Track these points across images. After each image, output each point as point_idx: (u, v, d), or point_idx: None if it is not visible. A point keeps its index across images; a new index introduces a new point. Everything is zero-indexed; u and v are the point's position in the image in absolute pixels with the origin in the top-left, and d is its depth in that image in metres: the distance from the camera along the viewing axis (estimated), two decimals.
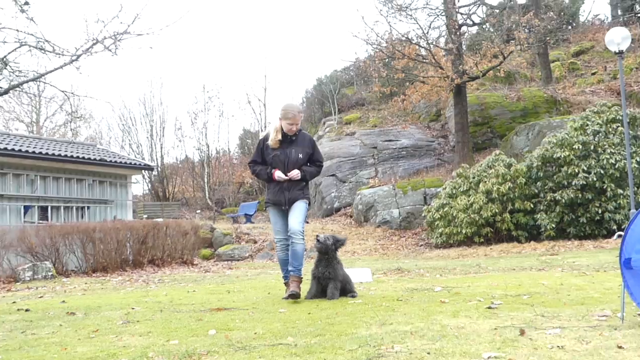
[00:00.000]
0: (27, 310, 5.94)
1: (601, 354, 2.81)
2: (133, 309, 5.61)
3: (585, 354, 2.83)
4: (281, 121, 5.84)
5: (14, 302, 7.06)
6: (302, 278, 5.81)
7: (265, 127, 32.46)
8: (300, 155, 5.90)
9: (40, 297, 7.89)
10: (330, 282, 5.61)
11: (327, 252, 5.67)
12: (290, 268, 5.78)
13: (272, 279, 9.23)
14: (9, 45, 6.38)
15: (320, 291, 5.71)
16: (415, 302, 5.06)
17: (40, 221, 14.98)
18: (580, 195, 13.12)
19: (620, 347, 2.93)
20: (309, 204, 6.15)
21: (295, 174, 5.80)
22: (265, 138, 5.97)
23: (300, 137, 5.97)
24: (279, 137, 5.84)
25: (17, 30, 6.39)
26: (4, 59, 6.31)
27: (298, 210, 5.86)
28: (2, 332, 4.49)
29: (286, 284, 5.92)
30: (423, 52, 21.52)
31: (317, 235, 5.72)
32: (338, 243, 5.78)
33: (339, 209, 22.05)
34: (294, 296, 5.57)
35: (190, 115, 33.38)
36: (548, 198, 13.68)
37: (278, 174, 5.82)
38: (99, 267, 12.49)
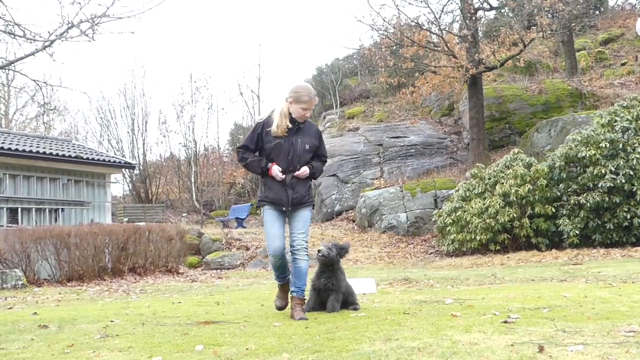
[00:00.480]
0: None
1: None
2: (112, 321, 5.62)
3: None
4: (291, 105, 5.37)
5: None
6: (304, 299, 5.52)
7: (256, 116, 32.44)
8: (307, 147, 5.46)
9: (10, 308, 7.90)
10: (332, 294, 5.53)
11: (332, 264, 5.58)
12: (292, 288, 5.46)
13: (265, 289, 9.24)
14: None
15: (319, 303, 5.64)
16: (423, 316, 5.08)
17: (10, 225, 14.98)
18: (607, 198, 13.13)
19: None
20: (313, 207, 5.80)
21: (303, 170, 5.40)
22: (266, 123, 5.46)
23: (307, 126, 5.55)
24: (288, 123, 5.36)
25: None
26: None
27: (303, 220, 5.53)
28: None
29: (281, 286, 5.72)
30: (434, 39, 21.54)
31: (319, 249, 5.52)
32: (342, 251, 5.65)
33: (340, 213, 22.07)
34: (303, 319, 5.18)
35: (175, 108, 33.40)
36: (571, 202, 13.68)
37: (275, 172, 5.32)
38: (75, 276, 12.50)
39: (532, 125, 21.19)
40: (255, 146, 5.51)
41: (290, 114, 5.38)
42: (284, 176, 5.33)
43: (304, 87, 5.59)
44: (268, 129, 5.38)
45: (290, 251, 5.44)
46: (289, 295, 5.50)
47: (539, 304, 5.51)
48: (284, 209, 5.43)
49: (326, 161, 5.88)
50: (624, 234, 13.21)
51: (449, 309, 5.44)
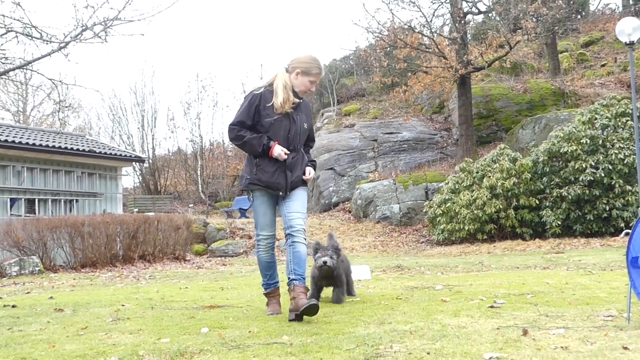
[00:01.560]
0: (13, 306, 5.95)
1: (606, 355, 2.83)
2: (123, 305, 5.62)
3: (589, 355, 2.85)
4: (298, 77, 4.50)
5: (0, 298, 7.07)
6: (308, 288, 4.61)
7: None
8: (305, 125, 4.66)
9: (28, 292, 7.90)
10: (337, 288, 5.20)
11: (334, 270, 5.06)
12: (292, 276, 4.42)
13: None
14: None
15: (319, 295, 5.24)
16: (415, 301, 5.08)
17: (27, 214, 14.97)
18: (587, 191, 13.15)
19: (625, 348, 2.95)
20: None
21: (309, 172, 4.65)
22: (264, 95, 4.50)
23: (304, 103, 4.71)
24: (294, 97, 4.48)
25: (3, 15, 6.37)
26: None
27: (301, 200, 4.62)
28: None
29: (268, 294, 4.78)
30: (426, 41, 21.49)
31: (324, 261, 4.89)
32: (338, 252, 5.13)
33: (337, 204, 22.09)
34: (310, 312, 4.18)
35: (182, 105, 33.50)
36: (554, 194, 13.71)
37: (278, 151, 4.39)
38: (88, 263, 12.51)
39: (517, 123, 21.19)
40: (252, 121, 4.49)
41: (292, 86, 4.52)
42: (286, 156, 4.44)
43: (313, 58, 4.61)
44: (267, 104, 4.45)
45: (287, 234, 4.48)
46: (290, 285, 4.41)
47: (523, 290, 5.52)
48: (280, 193, 4.53)
49: (313, 146, 5.09)
50: (603, 225, 13.24)
51: (438, 295, 5.45)
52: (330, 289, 5.34)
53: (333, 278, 5.11)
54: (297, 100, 4.49)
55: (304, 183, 4.66)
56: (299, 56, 4.60)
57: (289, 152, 4.45)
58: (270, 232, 4.63)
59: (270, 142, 4.41)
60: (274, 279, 4.76)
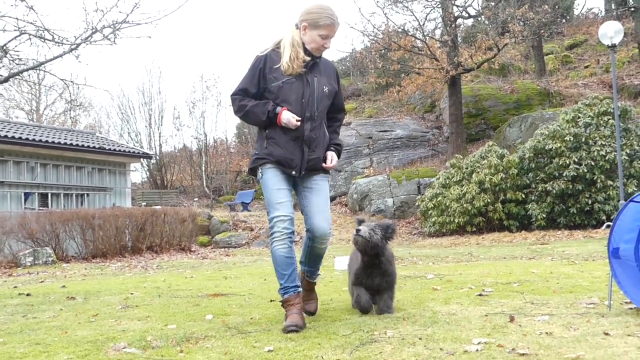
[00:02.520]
0: (28, 294, 5.95)
1: (588, 340, 2.84)
2: (132, 294, 5.62)
3: (572, 340, 2.85)
4: (306, 31, 3.46)
5: (15, 287, 7.07)
6: (315, 283, 3.86)
7: None
8: (326, 90, 3.53)
9: (41, 282, 7.90)
10: (385, 292, 3.78)
11: (378, 253, 3.63)
12: (305, 268, 3.73)
13: (267, 265, 9.25)
14: (9, 33, 6.34)
15: (367, 300, 3.78)
16: (408, 289, 5.09)
17: (41, 208, 14.97)
18: (570, 186, 13.17)
19: (606, 334, 2.96)
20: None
21: (331, 158, 3.58)
22: (269, 57, 3.51)
23: (323, 63, 3.61)
24: (304, 55, 3.45)
25: (17, 18, 6.35)
26: (4, 47, 6.27)
27: (324, 195, 3.60)
28: (4, 316, 4.50)
29: (287, 303, 3.49)
30: (419, 43, 21.45)
31: (358, 229, 3.57)
32: (389, 233, 3.68)
33: (334, 198, 22.08)
34: (311, 313, 3.67)
35: (188, 105, 33.50)
36: (539, 189, 13.72)
37: (287, 117, 3.36)
38: (99, 253, 12.52)
39: (505, 121, 21.18)
40: (257, 88, 3.51)
41: (303, 44, 3.48)
42: (298, 123, 3.37)
43: (322, 6, 3.50)
44: (274, 66, 3.46)
45: (309, 237, 3.56)
46: (300, 276, 3.59)
47: (510, 279, 5.52)
48: (293, 172, 3.46)
49: (343, 120, 3.94)
50: (586, 218, 13.26)
51: (430, 283, 5.45)
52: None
53: (379, 269, 3.69)
54: (307, 58, 3.45)
55: (324, 169, 3.58)
56: (308, 6, 3.54)
57: (300, 119, 3.40)
58: (286, 213, 3.42)
59: (277, 109, 3.40)
60: (294, 282, 3.49)
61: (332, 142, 3.64)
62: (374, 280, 3.68)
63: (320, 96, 3.51)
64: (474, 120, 22.72)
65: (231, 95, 3.56)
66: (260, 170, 3.52)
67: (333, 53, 53.25)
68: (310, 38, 3.45)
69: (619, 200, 11.81)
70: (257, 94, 3.51)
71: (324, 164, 3.54)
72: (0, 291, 6.55)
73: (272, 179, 3.47)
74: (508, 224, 14.15)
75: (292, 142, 3.43)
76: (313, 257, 3.66)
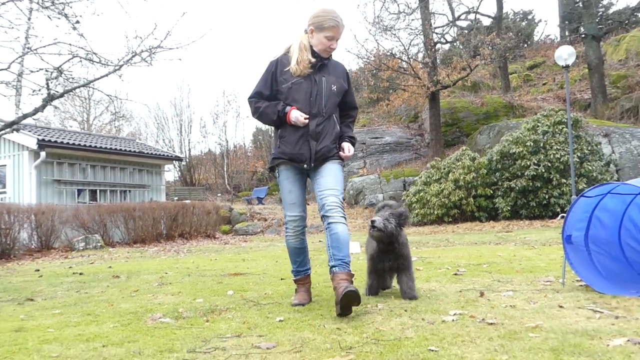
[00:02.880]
0: (81, 273, 5.97)
1: (545, 312, 2.84)
2: (166, 273, 5.64)
3: (532, 312, 2.85)
4: (312, 35, 3.20)
5: (70, 267, 7.09)
6: (353, 275, 3.10)
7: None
8: (334, 88, 3.23)
9: (91, 263, 7.93)
10: (403, 275, 3.37)
11: (392, 241, 3.28)
12: (332, 262, 3.07)
13: (279, 249, 9.27)
14: (64, 56, 6.33)
15: (381, 284, 3.59)
16: None
17: (91, 202, 15.00)
18: (531, 183, 13.14)
19: (561, 307, 2.96)
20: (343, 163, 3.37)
21: (348, 149, 3.27)
22: (280, 61, 3.27)
23: (332, 64, 3.31)
24: (310, 57, 3.18)
25: (70, 44, 6.35)
26: (60, 68, 6.27)
27: (333, 175, 3.21)
28: (61, 291, 4.52)
29: (298, 282, 3.46)
30: (404, 65, 21.41)
31: (373, 220, 3.22)
32: (402, 220, 3.33)
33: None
34: (351, 300, 2.82)
35: (212, 116, 33.58)
36: (505, 186, 13.70)
37: (296, 115, 3.12)
38: (138, 239, 12.56)
39: (476, 129, 21.14)
40: (270, 90, 3.27)
41: (311, 47, 3.22)
42: (306, 120, 3.13)
43: (326, 10, 3.20)
44: (284, 69, 3.23)
45: (322, 215, 3.13)
46: (331, 273, 3.09)
47: (480, 261, 5.52)
48: (304, 166, 3.21)
49: (356, 117, 3.54)
50: (544, 210, 13.25)
51: (414, 265, 5.45)
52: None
53: (394, 253, 3.30)
54: (313, 59, 3.18)
55: (337, 156, 3.27)
56: (314, 11, 3.24)
57: (308, 117, 3.15)
58: (297, 212, 3.28)
59: (286, 108, 3.17)
60: (305, 266, 3.44)
61: (346, 134, 3.35)
62: (391, 263, 3.35)
63: (328, 94, 3.22)
64: (450, 129, 22.67)
65: (248, 99, 3.36)
66: (277, 170, 3.33)
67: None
68: (317, 40, 3.19)
69: (571, 196, 11.77)
70: (270, 96, 3.28)
71: (341, 153, 3.26)
72: (58, 271, 6.57)
73: (286, 181, 3.29)
74: (479, 215, 14.13)
75: (301, 139, 3.18)
76: (334, 241, 3.06)
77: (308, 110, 3.17)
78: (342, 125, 3.37)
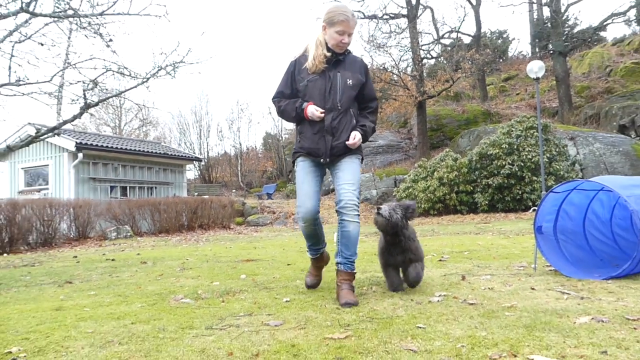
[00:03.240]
0: (113, 260, 5.97)
1: (519, 293, 2.82)
2: (187, 259, 5.63)
3: (508, 293, 2.84)
4: (326, 30, 2.90)
5: (103, 254, 7.09)
6: (355, 274, 2.93)
7: (282, 132, 32.25)
8: (350, 82, 2.91)
9: (122, 250, 7.93)
10: (411, 265, 2.97)
11: (396, 232, 2.92)
12: (338, 259, 2.90)
13: (286, 239, 9.25)
14: (99, 70, 6.33)
15: (400, 278, 3.10)
16: None
17: (122, 197, 15.01)
18: (506, 181, 13.11)
19: (533, 289, 2.94)
20: (362, 159, 3.04)
21: (354, 138, 2.86)
22: (298, 60, 3.01)
23: (349, 59, 2.99)
24: (325, 51, 2.90)
25: (104, 59, 6.35)
26: (95, 81, 6.27)
27: (351, 170, 2.91)
28: (96, 275, 4.51)
29: (313, 260, 3.22)
30: (395, 77, 21.37)
31: (378, 207, 2.92)
32: (409, 213, 2.99)
33: (333, 190, 22.03)
34: (350, 304, 2.64)
35: (228, 122, 33.62)
36: (483, 183, 13.66)
37: (312, 110, 2.85)
38: (163, 230, 12.55)
39: (458, 134, 21.08)
40: (291, 90, 3.01)
41: (326, 43, 2.92)
42: (322, 115, 2.85)
43: (338, 6, 2.91)
44: (302, 67, 2.96)
45: (337, 210, 2.89)
46: (336, 264, 2.92)
47: (462, 248, 5.51)
48: (321, 160, 2.92)
49: (377, 109, 3.14)
50: (517, 204, 13.21)
51: None
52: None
53: (401, 247, 2.94)
54: (328, 54, 2.89)
55: (355, 150, 2.95)
56: (327, 7, 2.97)
57: (324, 111, 2.87)
58: (307, 206, 2.91)
59: (303, 104, 2.90)
60: (318, 245, 3.15)
61: (359, 124, 2.96)
62: (398, 257, 2.95)
63: (343, 88, 2.89)
64: (435, 133, 22.61)
65: (272, 99, 3.09)
66: (295, 163, 3.05)
67: None
68: (329, 36, 2.88)
69: (541, 191, 11.74)
70: (291, 95, 3.01)
71: (346, 142, 2.87)
72: (93, 257, 6.57)
73: (300, 172, 2.98)
74: (460, 209, 14.10)
75: (318, 134, 2.89)
76: (344, 238, 2.84)
77: (322, 106, 2.88)
78: (360, 117, 3.01)
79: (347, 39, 2.88)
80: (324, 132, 2.88)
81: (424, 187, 14.44)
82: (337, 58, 2.93)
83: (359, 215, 2.85)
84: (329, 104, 2.88)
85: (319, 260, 3.20)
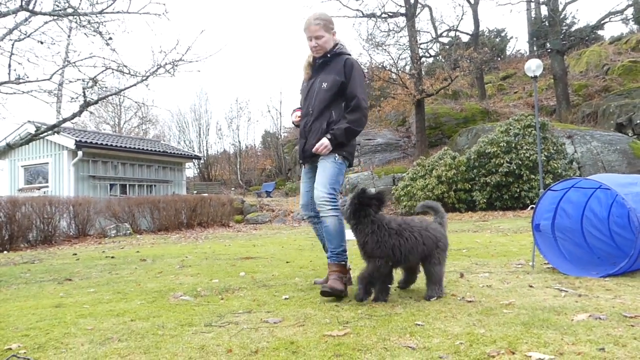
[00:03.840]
0: (112, 257, 5.96)
1: (517, 291, 2.82)
2: (186, 257, 5.63)
3: (506, 291, 2.84)
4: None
5: (103, 252, 7.08)
6: (344, 264, 2.91)
7: (281, 130, 32.23)
8: (325, 85, 2.91)
9: (122, 248, 7.92)
10: (370, 262, 2.64)
11: (354, 220, 2.68)
12: (327, 254, 2.98)
13: (284, 237, 9.25)
14: (98, 68, 6.31)
15: (393, 277, 2.76)
16: None
17: (121, 195, 14.99)
18: (504, 179, 13.11)
19: (531, 286, 2.94)
20: (348, 160, 3.00)
21: (318, 146, 2.84)
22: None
23: (335, 61, 2.96)
24: (310, 60, 3.06)
25: (104, 57, 6.32)
26: (95, 79, 6.25)
27: (321, 171, 2.89)
28: (96, 272, 4.51)
29: (329, 267, 2.99)
30: (394, 76, 21.34)
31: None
32: (364, 200, 2.68)
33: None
34: (330, 294, 2.71)
35: (227, 120, 33.51)
36: (481, 181, 13.67)
37: (293, 117, 3.14)
38: (162, 228, 12.54)
39: (456, 132, 21.08)
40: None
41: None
42: (297, 119, 3.05)
43: (313, 14, 2.97)
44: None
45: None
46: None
47: (460, 246, 5.51)
48: (300, 162, 3.11)
49: (360, 106, 2.90)
50: (515, 202, 13.22)
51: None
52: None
53: (364, 250, 2.64)
54: (311, 61, 3.05)
55: (331, 152, 2.87)
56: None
57: (299, 117, 3.03)
58: (301, 202, 3.13)
59: (294, 111, 3.10)
60: (326, 251, 3.02)
61: (332, 127, 2.87)
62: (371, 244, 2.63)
63: (316, 92, 2.93)
64: (433, 132, 22.61)
65: (294, 110, 3.22)
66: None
67: None
68: (308, 45, 3.02)
69: (539, 189, 11.75)
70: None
71: (315, 150, 2.86)
72: (93, 255, 6.56)
73: (302, 174, 3.19)
74: (459, 207, 14.11)
75: (299, 138, 3.07)
76: (326, 234, 2.91)
77: (304, 112, 3.04)
78: (341, 118, 2.92)
79: (314, 42, 2.94)
80: (307, 133, 2.97)
81: (423, 186, 14.44)
82: (322, 61, 2.99)
83: (334, 209, 2.84)
84: (305, 110, 3.02)
85: (332, 266, 2.89)
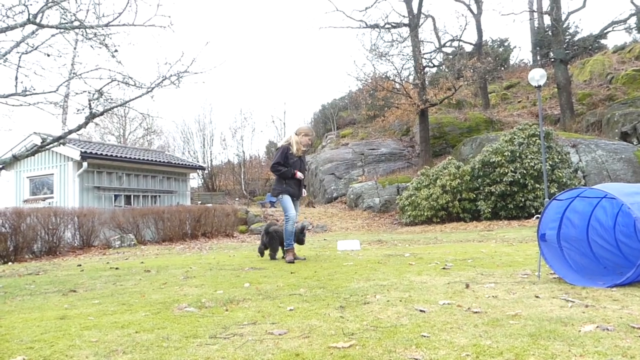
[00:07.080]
0: (116, 268, 5.96)
1: (523, 302, 2.81)
2: (191, 268, 5.62)
3: (512, 301, 2.82)
4: (301, 137, 5.82)
5: (107, 263, 7.09)
6: (293, 249, 5.87)
7: (283, 137, 32.34)
8: (303, 164, 6.06)
9: (126, 259, 7.93)
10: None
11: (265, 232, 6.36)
12: (285, 243, 5.91)
13: None
14: (104, 80, 6.37)
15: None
16: (391, 264, 5.06)
17: (126, 205, 15.04)
18: (509, 188, 13.07)
19: (537, 297, 2.92)
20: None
21: (305, 190, 6.01)
22: (289, 148, 5.79)
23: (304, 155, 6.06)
24: (302, 147, 5.82)
25: (109, 69, 6.39)
26: (100, 91, 6.31)
27: (298, 204, 5.98)
28: (100, 283, 4.51)
29: (287, 250, 5.88)
30: (397, 86, 21.43)
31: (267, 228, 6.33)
32: (268, 227, 6.42)
33: (336, 198, 22.02)
34: (292, 262, 5.63)
35: (231, 131, 33.63)
36: (486, 190, 13.63)
37: (299, 174, 5.78)
38: (167, 238, 12.55)
39: (460, 142, 21.07)
40: (285, 162, 5.73)
41: (299, 142, 5.80)
42: (302, 176, 5.78)
43: (309, 127, 6.26)
44: (290, 152, 5.72)
45: (289, 222, 5.74)
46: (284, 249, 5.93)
47: (465, 256, 5.48)
48: (294, 199, 5.79)
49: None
50: (520, 212, 13.17)
51: (407, 260, 5.42)
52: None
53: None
54: (303, 149, 5.84)
55: (302, 194, 5.98)
56: (301, 126, 6.05)
57: (301, 175, 5.76)
58: (294, 213, 5.73)
59: (292, 171, 5.72)
60: (290, 241, 5.81)
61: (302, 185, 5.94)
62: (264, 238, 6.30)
63: (303, 166, 5.88)
64: (437, 141, 22.62)
65: (273, 164, 5.81)
66: (281, 195, 5.73)
67: (336, 93, 53.00)
68: (305, 140, 5.85)
69: (544, 199, 11.70)
70: (285, 165, 5.72)
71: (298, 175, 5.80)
72: (97, 266, 6.57)
73: (287, 200, 5.71)
74: (463, 216, 14.06)
75: (297, 186, 5.81)
76: (287, 234, 5.76)
77: (301, 172, 5.81)
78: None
79: (310, 142, 5.91)
80: (300, 185, 5.85)
81: (427, 195, 14.41)
82: (303, 152, 5.90)
83: (293, 223, 5.73)
84: (300, 173, 5.80)
85: (291, 249, 5.85)
